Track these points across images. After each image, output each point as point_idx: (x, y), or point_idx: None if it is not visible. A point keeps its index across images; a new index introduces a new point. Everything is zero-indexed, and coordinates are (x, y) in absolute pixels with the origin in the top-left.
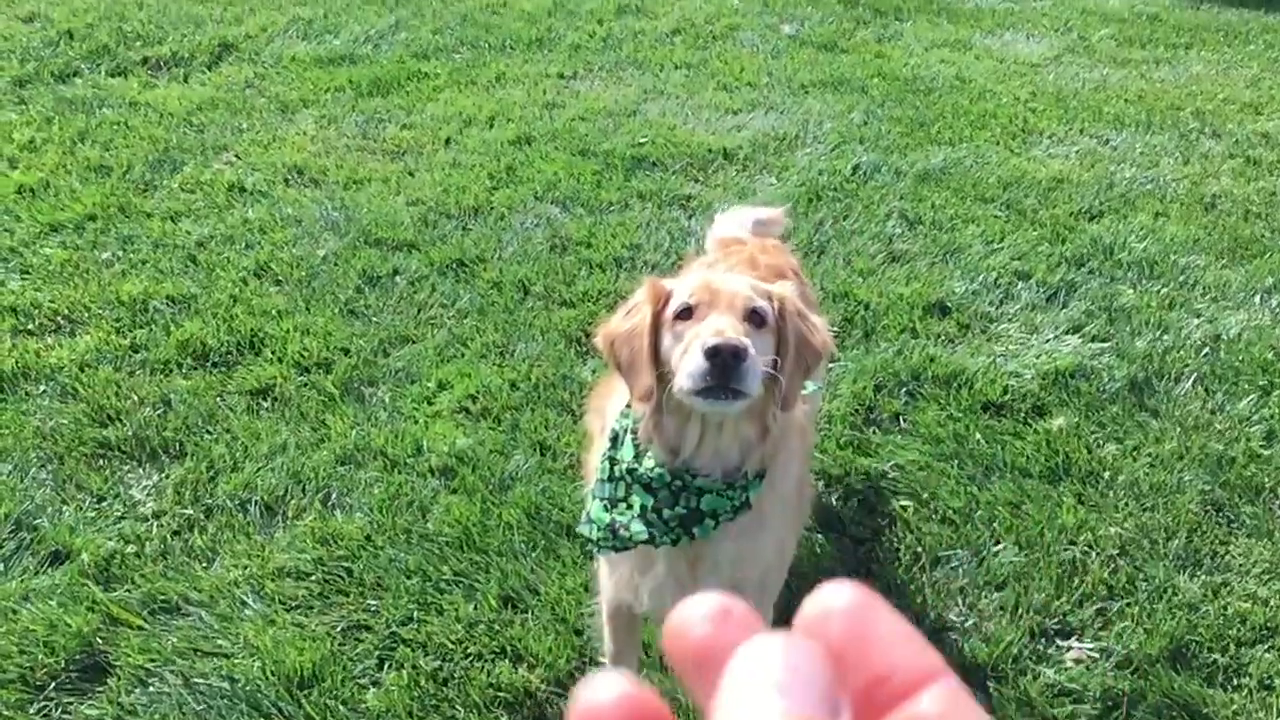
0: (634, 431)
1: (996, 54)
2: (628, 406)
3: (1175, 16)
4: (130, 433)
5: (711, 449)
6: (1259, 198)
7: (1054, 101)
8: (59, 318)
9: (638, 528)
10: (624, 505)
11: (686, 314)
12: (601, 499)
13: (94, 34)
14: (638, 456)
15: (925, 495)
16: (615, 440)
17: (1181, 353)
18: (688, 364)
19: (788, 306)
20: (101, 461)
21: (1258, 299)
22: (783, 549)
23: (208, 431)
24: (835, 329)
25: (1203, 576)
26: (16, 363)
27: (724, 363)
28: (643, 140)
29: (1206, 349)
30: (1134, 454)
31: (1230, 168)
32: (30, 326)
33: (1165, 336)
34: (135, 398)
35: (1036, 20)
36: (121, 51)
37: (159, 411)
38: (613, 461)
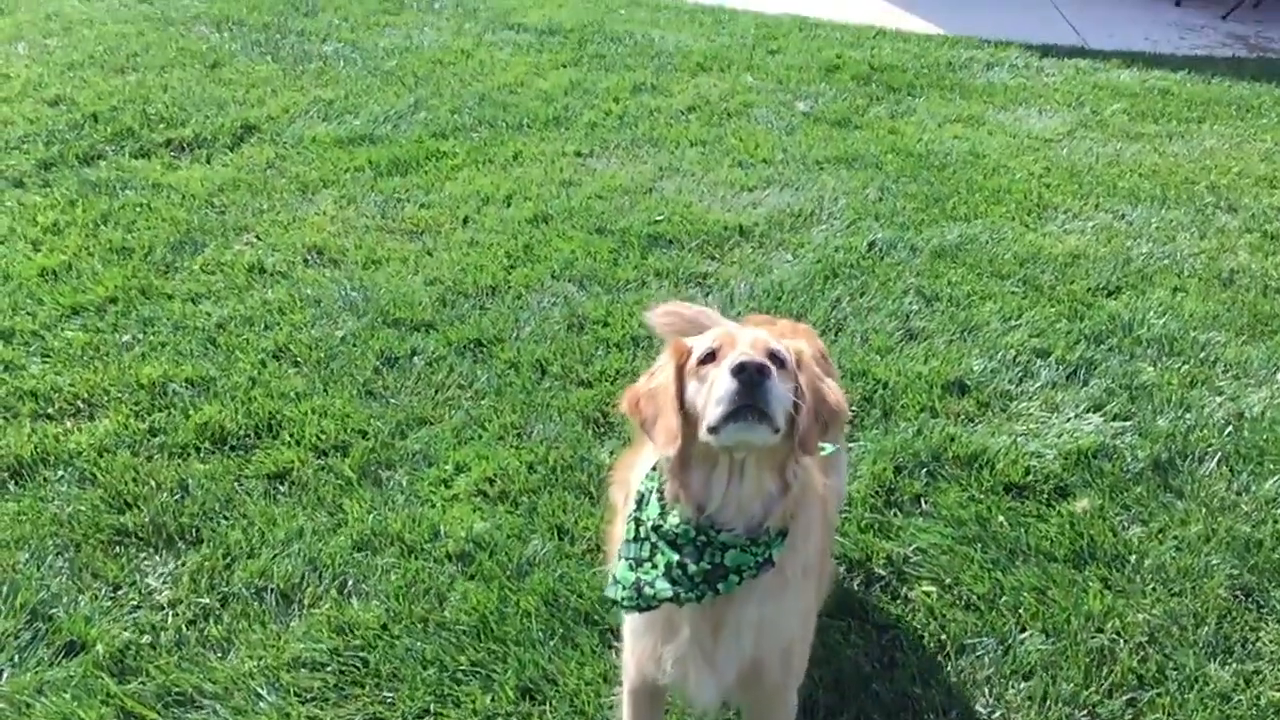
0: (660, 492)
1: (1009, 129)
2: (653, 469)
3: (1187, 91)
4: (147, 519)
5: (735, 502)
6: (1277, 272)
7: (1068, 176)
8: (78, 401)
9: (662, 585)
10: (649, 565)
11: (710, 358)
12: (627, 559)
13: (118, 117)
14: (663, 514)
15: (948, 580)
16: (641, 501)
17: (1204, 431)
18: (715, 392)
19: (804, 360)
20: (118, 549)
21: None
22: (806, 620)
23: (225, 517)
24: (854, 408)
25: (1234, 665)
26: (35, 448)
27: (750, 379)
28: (659, 218)
29: (1230, 428)
30: (1159, 536)
31: (1247, 242)
32: (50, 411)
33: (1187, 415)
34: (153, 483)
35: (1049, 95)
36: (145, 134)
37: (176, 497)
38: (638, 521)
